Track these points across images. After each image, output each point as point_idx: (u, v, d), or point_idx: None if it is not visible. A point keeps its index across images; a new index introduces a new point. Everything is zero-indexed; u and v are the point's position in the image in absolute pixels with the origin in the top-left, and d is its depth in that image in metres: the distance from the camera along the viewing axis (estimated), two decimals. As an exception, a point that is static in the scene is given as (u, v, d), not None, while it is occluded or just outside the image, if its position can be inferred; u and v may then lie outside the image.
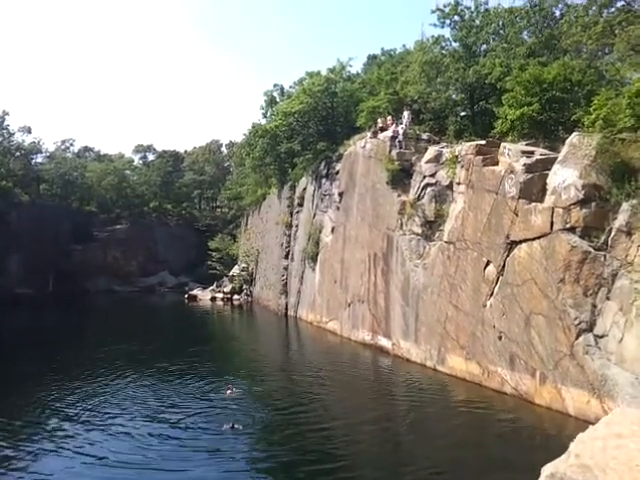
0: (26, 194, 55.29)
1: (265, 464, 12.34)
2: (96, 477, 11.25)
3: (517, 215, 16.37)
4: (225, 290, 49.84)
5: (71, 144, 70.75)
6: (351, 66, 40.67)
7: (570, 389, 14.33)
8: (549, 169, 15.81)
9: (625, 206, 13.50)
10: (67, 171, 62.07)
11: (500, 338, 16.94)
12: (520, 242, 16.29)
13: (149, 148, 78.27)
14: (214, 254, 56.32)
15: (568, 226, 14.55)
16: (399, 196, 23.62)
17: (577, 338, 14.10)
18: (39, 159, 63.45)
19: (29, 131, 60.19)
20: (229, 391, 17.25)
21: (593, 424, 5.43)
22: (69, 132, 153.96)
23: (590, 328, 13.83)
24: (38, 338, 29.00)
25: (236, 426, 13.88)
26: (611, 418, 4.65)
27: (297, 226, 37.63)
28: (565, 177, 14.92)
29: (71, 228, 56.97)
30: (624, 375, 12.85)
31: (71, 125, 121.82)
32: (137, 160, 77.99)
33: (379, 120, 28.24)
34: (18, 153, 58.29)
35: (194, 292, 51.90)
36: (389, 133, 25.85)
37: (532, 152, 17.15)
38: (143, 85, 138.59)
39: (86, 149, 77.80)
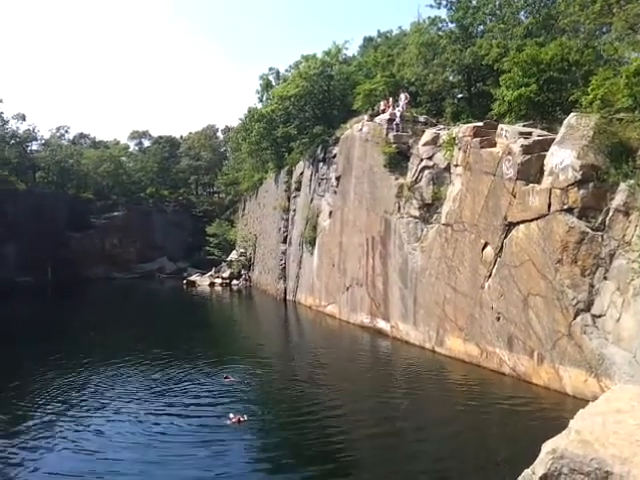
0: (22, 182, 55.05)
1: (270, 456, 12.06)
2: (93, 472, 10.94)
3: (515, 196, 16.38)
4: (224, 275, 49.97)
5: (66, 131, 70.40)
6: (347, 49, 40.39)
7: (568, 368, 14.47)
8: (547, 150, 15.79)
9: (623, 186, 13.51)
10: (63, 158, 61.67)
11: (498, 319, 17.06)
12: (518, 223, 16.33)
13: (145, 134, 77.78)
14: (212, 240, 56.43)
15: (566, 207, 14.57)
16: (396, 179, 23.58)
17: (575, 318, 14.21)
18: (34, 147, 63.07)
19: (23, 118, 59.82)
20: (227, 380, 17.23)
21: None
22: (64, 119, 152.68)
23: (588, 308, 13.93)
24: (38, 327, 28.93)
25: (242, 419, 13.22)
26: (610, 394, 4.71)
27: (295, 210, 37.60)
28: (563, 158, 14.90)
29: (68, 216, 56.76)
30: (621, 354, 12.98)
31: (66, 112, 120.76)
32: (133, 146, 77.65)
33: (382, 103, 27.97)
34: (13, 141, 57.94)
35: (193, 278, 51.99)
36: (386, 116, 25.72)
37: (529, 133, 17.13)
38: (138, 70, 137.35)
39: (81, 136, 77.31)
